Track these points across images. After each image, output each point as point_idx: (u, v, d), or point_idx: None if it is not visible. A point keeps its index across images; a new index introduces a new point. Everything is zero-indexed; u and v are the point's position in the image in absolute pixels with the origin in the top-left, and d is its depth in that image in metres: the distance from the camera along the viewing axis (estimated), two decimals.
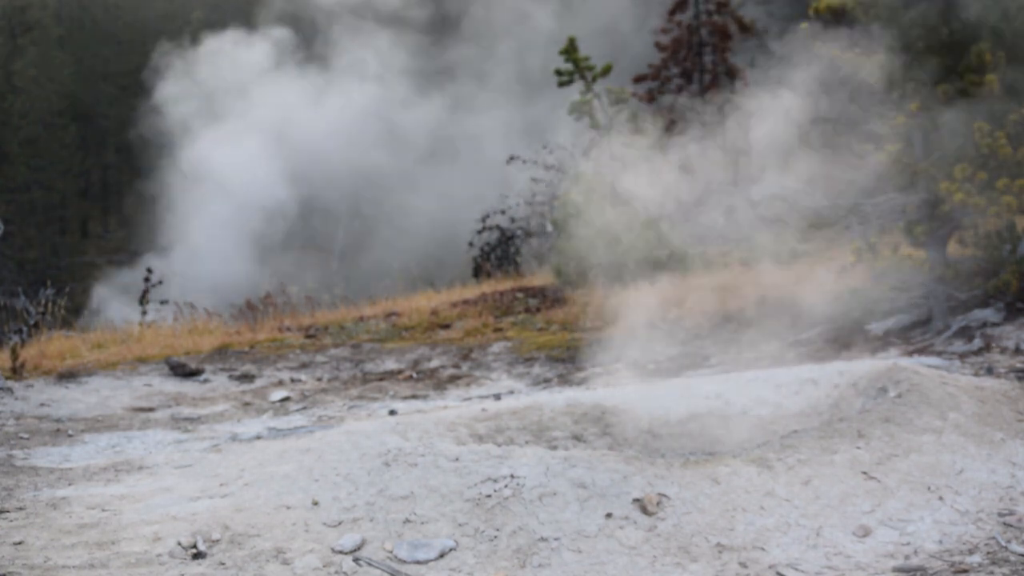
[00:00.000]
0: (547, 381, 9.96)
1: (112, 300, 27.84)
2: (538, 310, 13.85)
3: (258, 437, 7.58)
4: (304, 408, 9.22)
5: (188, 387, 10.30)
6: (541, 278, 16.75)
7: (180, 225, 29.31)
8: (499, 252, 20.16)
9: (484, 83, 31.18)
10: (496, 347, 11.53)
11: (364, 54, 31.99)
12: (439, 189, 29.41)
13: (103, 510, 5.67)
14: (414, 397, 9.54)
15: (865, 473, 5.26)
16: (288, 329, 13.35)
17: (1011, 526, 4.95)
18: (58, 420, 8.69)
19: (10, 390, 9.56)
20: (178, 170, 29.58)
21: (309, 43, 33.52)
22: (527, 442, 6.85)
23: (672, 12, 24.73)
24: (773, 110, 9.24)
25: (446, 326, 13.00)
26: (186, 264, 28.50)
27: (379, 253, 30.59)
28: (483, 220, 20.86)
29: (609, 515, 4.85)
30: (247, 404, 9.56)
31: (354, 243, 33.11)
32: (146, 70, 33.79)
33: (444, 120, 31.27)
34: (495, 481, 5.11)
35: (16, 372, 10.35)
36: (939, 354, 9.06)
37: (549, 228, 18.72)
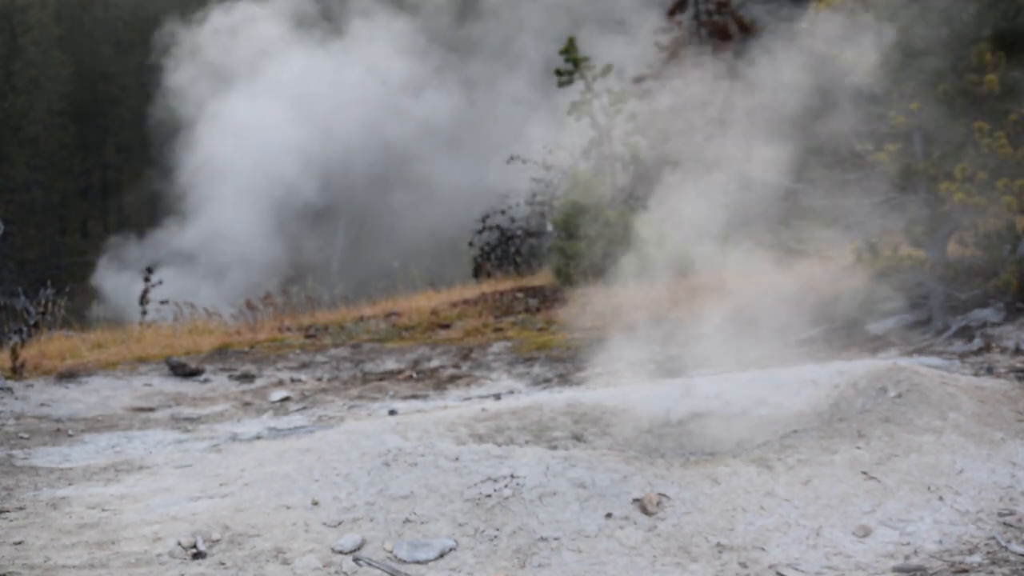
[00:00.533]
0: (547, 381, 9.96)
1: (118, 278, 27.76)
2: (538, 310, 13.85)
3: (258, 437, 7.58)
4: (304, 408, 9.22)
5: (188, 387, 10.30)
6: (541, 278, 16.75)
7: (195, 198, 29.07)
8: (499, 252, 20.15)
9: (504, 65, 30.59)
10: (496, 347, 11.53)
11: (379, 35, 31.43)
12: (457, 173, 28.98)
13: (103, 510, 5.68)
14: (414, 397, 9.54)
15: (865, 473, 5.26)
16: (288, 329, 13.35)
17: (1011, 526, 4.95)
18: (58, 420, 8.69)
19: (10, 390, 9.57)
20: (188, 146, 29.28)
21: (324, 16, 32.86)
22: (527, 442, 6.85)
23: (672, 12, 24.71)
24: (772, 109, 9.24)
25: (446, 326, 13.00)
26: (200, 236, 28.33)
27: (393, 230, 30.28)
28: (483, 220, 20.85)
29: (609, 515, 4.85)
30: (247, 404, 9.56)
31: (365, 225, 32.64)
32: (154, 50, 33.47)
33: (463, 103, 30.73)
34: (495, 481, 5.11)
35: (16, 372, 10.35)
36: (939, 354, 9.06)
37: (549, 228, 18.71)
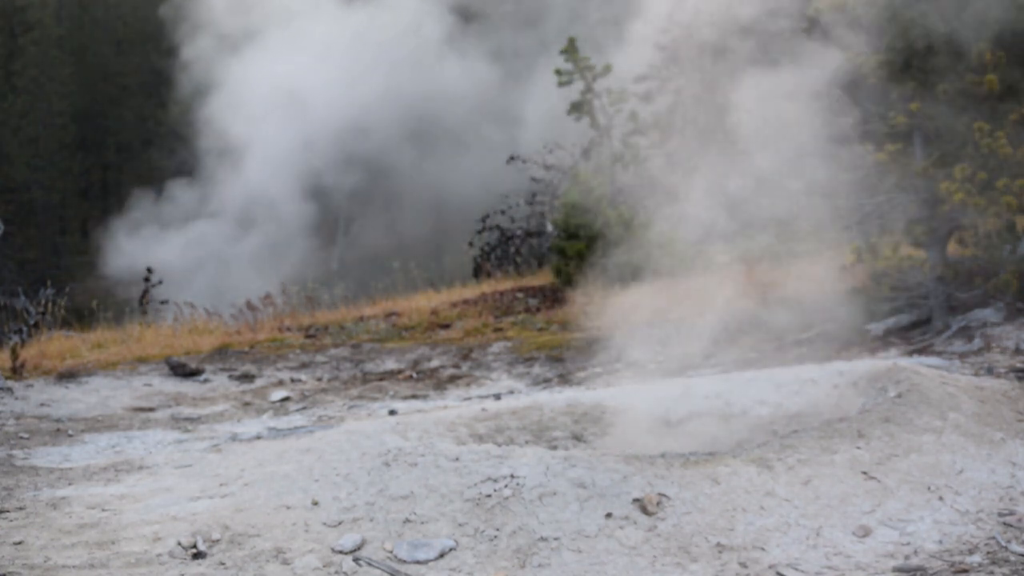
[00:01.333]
0: (547, 381, 9.96)
1: (136, 237, 27.63)
2: (538, 310, 13.85)
3: (258, 437, 7.58)
4: (304, 408, 9.22)
5: (188, 387, 10.30)
6: (541, 278, 16.75)
7: (224, 153, 28.66)
8: (499, 252, 20.13)
9: (539, 30, 29.53)
10: (496, 347, 11.53)
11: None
12: (482, 150, 28.26)
13: (103, 510, 5.68)
14: (414, 397, 9.54)
15: (865, 473, 5.26)
16: (288, 329, 13.34)
17: (1011, 526, 4.96)
18: (58, 420, 8.69)
19: (10, 390, 9.57)
20: (214, 103, 28.75)
21: None
22: (527, 442, 6.85)
23: (671, 12, 24.65)
24: (771, 109, 9.23)
25: (446, 326, 13.00)
26: (232, 190, 28.08)
27: (423, 197, 29.73)
28: (483, 220, 20.84)
29: (609, 515, 4.85)
30: (247, 404, 9.56)
31: (395, 189, 31.93)
32: (165, 23, 33.02)
33: (490, 75, 29.90)
34: (495, 481, 5.11)
35: (16, 372, 10.35)
36: (939, 354, 9.06)
37: (549, 228, 18.70)
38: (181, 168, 31.05)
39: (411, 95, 28.74)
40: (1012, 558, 4.63)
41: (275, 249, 27.33)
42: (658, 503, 4.92)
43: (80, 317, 14.98)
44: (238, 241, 27.55)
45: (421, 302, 14.76)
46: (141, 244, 26.98)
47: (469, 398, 9.19)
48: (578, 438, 7.02)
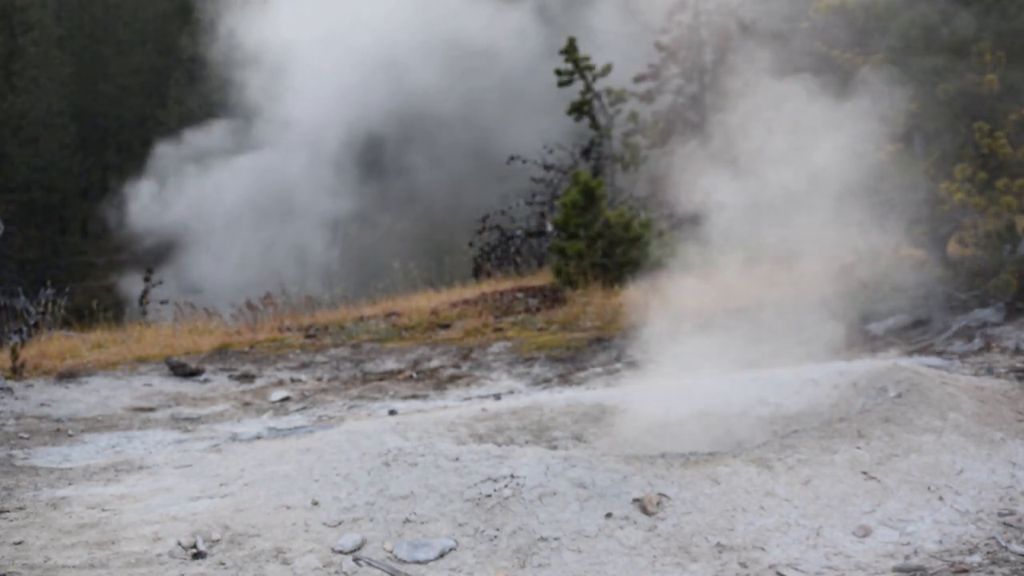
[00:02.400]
0: (547, 381, 9.96)
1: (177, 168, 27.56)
2: (538, 310, 13.84)
3: (258, 437, 7.59)
4: (304, 408, 9.22)
5: (188, 387, 10.30)
6: (541, 278, 16.75)
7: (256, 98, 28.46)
8: (499, 252, 20.14)
9: None
10: (496, 347, 11.53)
11: None
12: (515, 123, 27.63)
13: (103, 510, 5.68)
14: (414, 397, 9.54)
15: (865, 473, 5.26)
16: (288, 329, 13.34)
17: (1011, 526, 4.96)
18: (58, 420, 8.69)
19: (10, 390, 9.57)
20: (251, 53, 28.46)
21: None
22: (527, 442, 6.85)
23: (672, 12, 24.65)
24: (771, 110, 9.23)
25: (446, 326, 12.99)
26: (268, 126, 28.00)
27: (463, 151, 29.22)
28: (483, 220, 20.85)
29: (609, 515, 4.85)
30: (247, 404, 9.56)
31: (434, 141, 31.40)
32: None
33: (533, 35, 29.04)
34: (495, 481, 5.11)
35: (16, 372, 10.35)
36: (939, 354, 9.06)
37: (549, 228, 18.71)
38: (219, 114, 30.93)
39: (455, 41, 28.12)
40: (1012, 558, 4.64)
41: (319, 191, 27.39)
42: (658, 503, 4.92)
43: (80, 317, 14.98)
44: (283, 183, 27.47)
45: (421, 302, 14.75)
46: (185, 185, 27.03)
47: (469, 398, 9.19)
48: (578, 438, 7.02)
